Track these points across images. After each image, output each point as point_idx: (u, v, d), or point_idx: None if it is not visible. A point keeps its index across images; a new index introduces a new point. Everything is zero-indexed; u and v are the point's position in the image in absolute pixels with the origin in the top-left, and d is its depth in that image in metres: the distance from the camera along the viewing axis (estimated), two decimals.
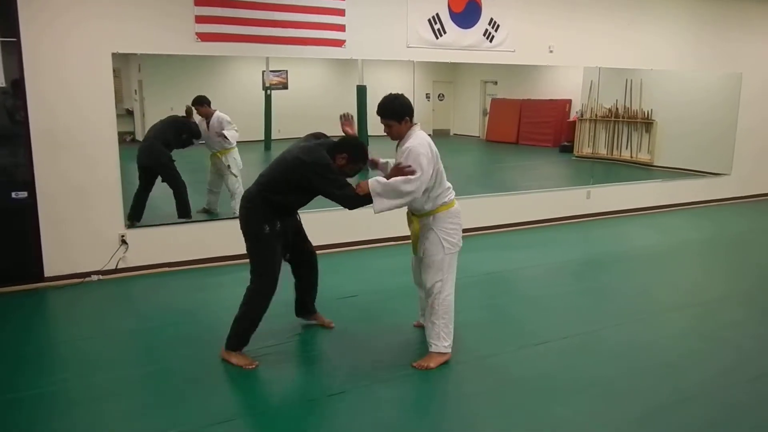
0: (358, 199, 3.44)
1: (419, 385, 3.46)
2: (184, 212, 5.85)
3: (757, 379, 3.51)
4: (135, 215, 5.55)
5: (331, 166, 3.46)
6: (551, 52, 7.13)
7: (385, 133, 3.54)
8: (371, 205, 3.40)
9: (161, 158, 5.82)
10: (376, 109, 3.47)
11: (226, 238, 5.73)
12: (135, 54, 5.46)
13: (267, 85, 6.91)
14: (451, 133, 10.07)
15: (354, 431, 2.98)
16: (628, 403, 3.22)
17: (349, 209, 3.53)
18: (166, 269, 5.47)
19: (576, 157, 9.39)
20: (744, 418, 3.12)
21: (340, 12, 5.85)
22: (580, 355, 3.81)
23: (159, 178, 5.82)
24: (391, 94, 3.50)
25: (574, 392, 3.34)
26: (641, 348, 3.92)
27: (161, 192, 5.85)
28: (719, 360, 3.78)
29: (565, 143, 9.59)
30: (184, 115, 6.04)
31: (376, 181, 3.37)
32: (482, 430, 2.99)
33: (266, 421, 3.09)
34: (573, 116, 9.50)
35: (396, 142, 3.56)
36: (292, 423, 3.10)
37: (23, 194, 4.91)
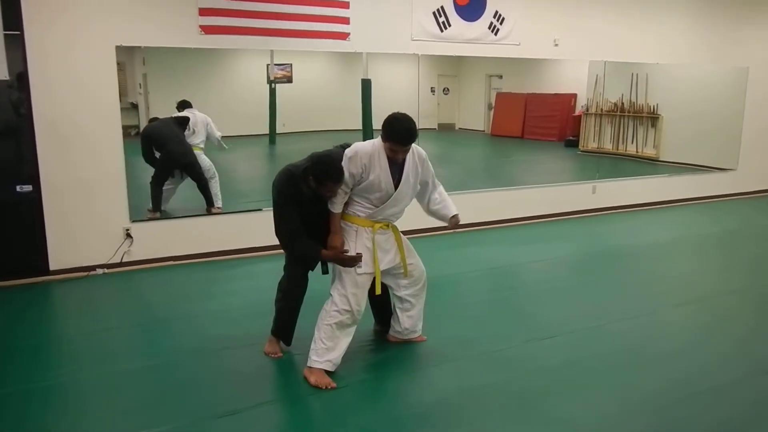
0: (293, 245, 3.34)
1: (423, 379, 3.46)
2: (212, 202, 5.99)
3: (762, 374, 3.50)
4: (156, 207, 5.72)
5: (282, 193, 3.30)
6: (556, 45, 7.09)
7: (397, 158, 3.28)
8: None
9: (193, 156, 5.94)
10: (403, 138, 3.19)
11: (230, 232, 5.74)
12: (139, 47, 5.44)
13: (271, 78, 6.89)
14: (456, 128, 10.04)
15: (365, 425, 2.98)
16: (634, 398, 3.21)
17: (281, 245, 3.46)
18: (171, 263, 5.47)
19: (581, 151, 9.34)
20: (750, 415, 3.11)
21: (345, 4, 5.82)
22: (587, 348, 3.79)
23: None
24: (407, 119, 3.24)
25: (578, 387, 3.33)
26: (646, 342, 3.91)
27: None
28: (724, 355, 3.76)
29: (571, 138, 9.53)
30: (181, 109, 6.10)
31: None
32: (487, 424, 2.98)
33: (272, 413, 3.09)
34: (578, 110, 9.44)
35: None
36: (300, 416, 3.11)
37: (28, 188, 4.91)
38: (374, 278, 3.42)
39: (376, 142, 3.30)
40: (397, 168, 3.32)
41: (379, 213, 3.37)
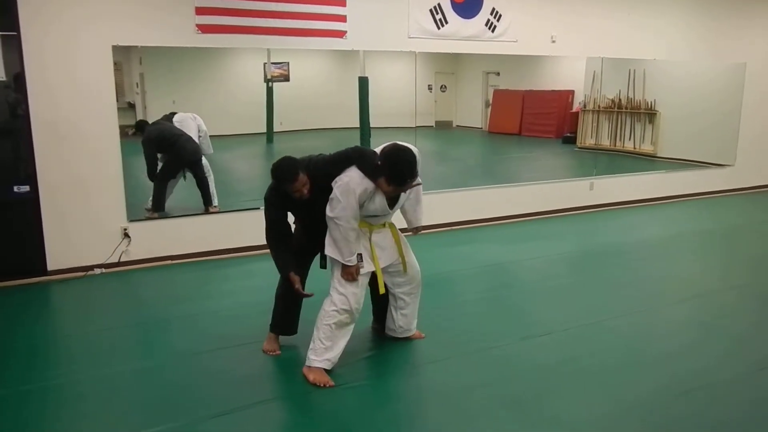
0: (269, 241, 3.42)
1: (421, 376, 3.48)
2: (210, 201, 5.97)
3: (761, 372, 3.51)
4: (159, 207, 5.70)
5: (266, 200, 3.39)
6: (554, 42, 7.09)
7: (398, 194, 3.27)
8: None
9: (200, 154, 5.94)
10: (404, 180, 3.13)
11: (228, 231, 5.74)
12: (136, 47, 5.43)
13: (268, 77, 6.88)
14: (454, 125, 10.03)
15: (362, 423, 2.99)
16: (632, 395, 3.22)
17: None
18: (169, 262, 5.48)
19: (579, 148, 9.35)
20: (750, 412, 3.12)
21: (342, 2, 5.82)
22: (583, 346, 3.80)
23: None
24: (408, 156, 3.14)
25: (576, 384, 3.34)
26: (644, 339, 3.92)
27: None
28: (723, 351, 3.77)
29: (568, 134, 9.54)
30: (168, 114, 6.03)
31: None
32: (483, 421, 2.99)
33: (270, 412, 3.09)
34: (576, 107, 9.44)
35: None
36: (298, 414, 3.13)
37: (25, 188, 4.91)
38: (376, 277, 3.43)
39: (360, 178, 3.17)
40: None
41: (376, 220, 3.41)
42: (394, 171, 3.12)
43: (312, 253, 3.59)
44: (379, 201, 3.26)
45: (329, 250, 3.31)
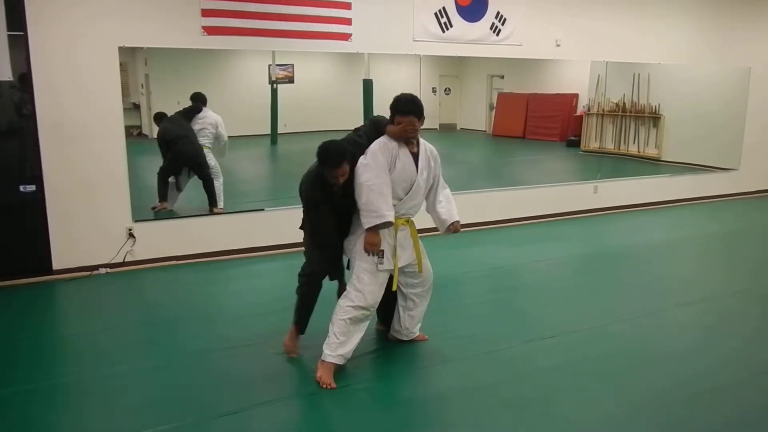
0: (317, 237, 3.44)
1: (426, 378, 3.48)
2: (215, 202, 5.98)
3: (765, 375, 3.50)
4: (162, 197, 5.80)
5: (307, 196, 3.40)
6: (558, 46, 7.09)
7: (407, 132, 3.32)
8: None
9: (203, 156, 5.95)
10: (405, 105, 3.29)
11: (233, 232, 5.74)
12: (141, 48, 5.46)
13: (273, 79, 6.90)
14: (458, 128, 10.04)
15: (368, 424, 2.99)
16: (637, 398, 3.21)
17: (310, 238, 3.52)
18: (174, 262, 5.48)
19: (583, 151, 9.35)
20: (755, 415, 3.11)
21: (347, 5, 5.83)
22: (589, 348, 3.80)
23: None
24: (409, 93, 3.37)
25: (581, 387, 3.34)
26: (649, 342, 3.91)
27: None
28: (728, 355, 3.76)
29: (572, 138, 9.54)
30: (194, 105, 6.04)
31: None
32: (489, 423, 2.98)
33: (275, 412, 3.09)
34: (580, 111, 9.44)
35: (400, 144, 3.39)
36: (303, 414, 3.13)
37: (31, 188, 4.93)
38: (391, 275, 3.44)
39: (382, 139, 3.34)
40: (413, 157, 3.38)
41: (401, 206, 3.41)
42: (397, 102, 3.31)
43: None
44: (406, 159, 3.33)
45: (368, 221, 3.26)
